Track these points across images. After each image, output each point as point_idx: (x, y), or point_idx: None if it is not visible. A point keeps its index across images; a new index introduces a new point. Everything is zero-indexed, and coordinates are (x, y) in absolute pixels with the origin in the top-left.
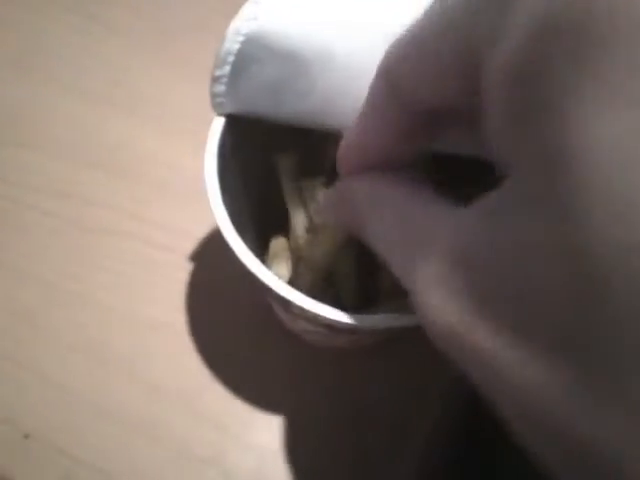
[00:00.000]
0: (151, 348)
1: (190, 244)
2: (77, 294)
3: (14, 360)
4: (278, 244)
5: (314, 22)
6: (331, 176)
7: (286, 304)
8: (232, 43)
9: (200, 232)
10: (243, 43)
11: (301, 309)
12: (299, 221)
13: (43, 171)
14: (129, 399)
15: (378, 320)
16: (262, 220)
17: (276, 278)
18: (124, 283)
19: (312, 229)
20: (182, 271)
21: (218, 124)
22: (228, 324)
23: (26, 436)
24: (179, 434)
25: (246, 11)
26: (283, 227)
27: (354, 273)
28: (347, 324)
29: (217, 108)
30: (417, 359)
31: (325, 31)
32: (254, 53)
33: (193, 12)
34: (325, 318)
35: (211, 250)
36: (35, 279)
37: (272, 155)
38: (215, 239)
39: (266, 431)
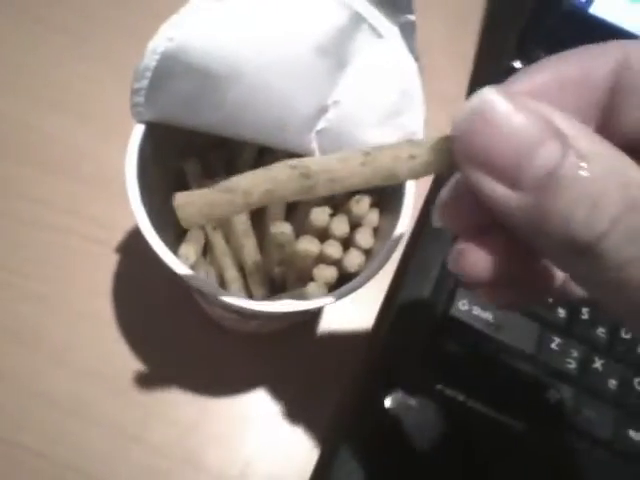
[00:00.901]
0: (82, 335)
1: (118, 236)
2: (10, 284)
3: None
4: (193, 232)
5: (225, 42)
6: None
7: (201, 294)
8: (150, 60)
9: (127, 225)
10: (159, 60)
11: (213, 297)
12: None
13: None
14: (61, 383)
15: (276, 306)
16: None
17: (188, 269)
18: (56, 274)
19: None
20: (110, 262)
21: (138, 130)
22: (153, 312)
23: None
24: (110, 414)
25: (163, 31)
26: None
27: (260, 264)
28: (250, 310)
29: (136, 116)
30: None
31: (235, 50)
32: (169, 69)
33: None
34: (231, 305)
35: (138, 242)
36: None
37: (182, 159)
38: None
39: (188, 407)
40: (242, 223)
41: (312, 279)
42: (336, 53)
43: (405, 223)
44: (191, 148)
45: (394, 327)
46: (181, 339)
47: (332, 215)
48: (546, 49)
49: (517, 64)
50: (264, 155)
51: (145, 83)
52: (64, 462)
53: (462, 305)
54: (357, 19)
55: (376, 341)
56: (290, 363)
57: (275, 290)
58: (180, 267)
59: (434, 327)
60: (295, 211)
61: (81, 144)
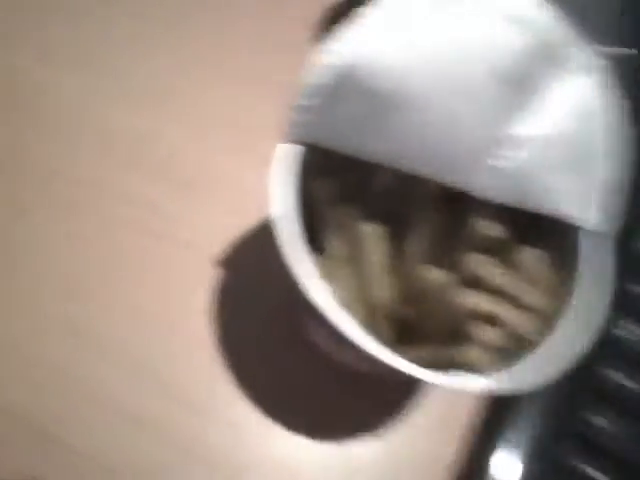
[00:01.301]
0: (173, 349)
1: (222, 250)
2: (105, 287)
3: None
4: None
5: (397, 61)
6: (372, 206)
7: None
8: (321, 77)
9: (236, 241)
10: (332, 78)
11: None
12: (335, 249)
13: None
14: (142, 399)
15: (444, 379)
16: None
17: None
18: (153, 283)
19: (348, 258)
20: (212, 278)
21: (288, 150)
22: (251, 332)
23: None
24: (192, 438)
25: (334, 47)
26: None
27: (391, 305)
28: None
29: (291, 135)
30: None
31: (406, 70)
32: (341, 89)
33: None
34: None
35: (245, 259)
36: (59, 276)
37: (313, 179)
38: (248, 246)
39: (285, 446)
40: (376, 257)
41: (465, 336)
42: (520, 82)
43: (609, 292)
44: (323, 168)
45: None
46: (279, 366)
47: (498, 267)
48: None
49: None
50: (405, 180)
51: (309, 101)
52: None
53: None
54: (553, 50)
55: (499, 401)
56: (398, 410)
57: (402, 333)
58: (335, 312)
59: (575, 389)
60: (443, 250)
61: (200, 155)
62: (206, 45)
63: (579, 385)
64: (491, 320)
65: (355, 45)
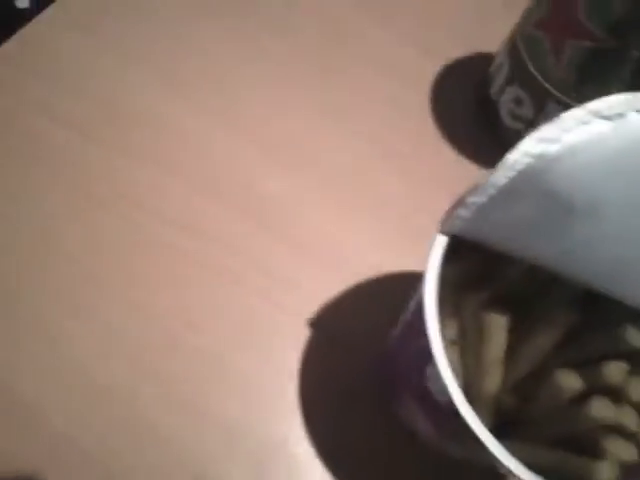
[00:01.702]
0: (262, 416)
1: (317, 310)
2: (196, 346)
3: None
4: None
5: (595, 171)
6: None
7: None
8: (501, 177)
9: (328, 300)
10: (512, 179)
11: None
12: (448, 331)
13: (193, 209)
14: (226, 464)
15: None
16: None
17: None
18: (242, 339)
19: (458, 343)
20: (303, 339)
21: (441, 245)
22: (339, 402)
23: None
24: None
25: (528, 146)
26: None
27: (497, 396)
28: None
29: (449, 228)
30: None
31: (602, 183)
32: (520, 189)
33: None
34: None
35: (336, 322)
36: (155, 321)
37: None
38: (343, 310)
39: None
40: (498, 348)
41: (591, 445)
42: None
43: None
44: (450, 251)
45: None
46: (365, 440)
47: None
48: None
49: None
50: (536, 274)
51: (484, 199)
52: None
53: None
54: None
55: None
56: None
57: (499, 422)
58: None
59: None
60: (570, 349)
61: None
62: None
63: None
64: (624, 434)
65: (548, 146)
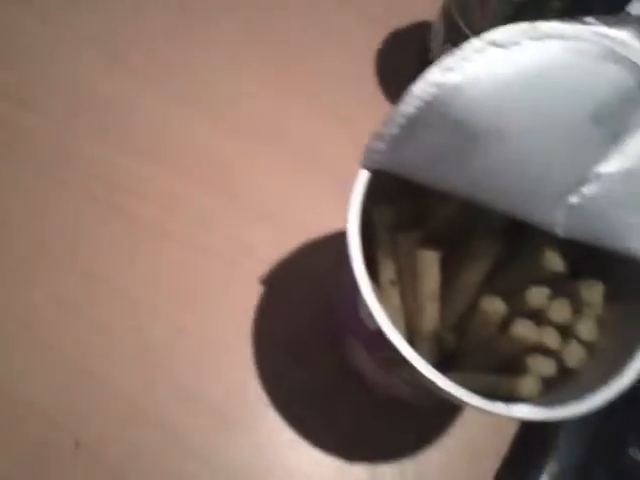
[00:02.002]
0: (214, 371)
1: (266, 267)
2: (146, 305)
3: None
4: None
5: (494, 98)
6: (431, 234)
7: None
8: (408, 106)
9: (279, 258)
10: (420, 108)
11: (432, 385)
12: (386, 272)
13: (157, 183)
14: (186, 419)
15: (507, 410)
16: None
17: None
18: (196, 299)
19: (397, 282)
20: (254, 294)
21: (363, 179)
22: (292, 353)
23: (77, 444)
24: (234, 460)
25: (431, 76)
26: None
27: (437, 331)
28: (461, 401)
29: (369, 162)
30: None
31: (503, 108)
32: (428, 119)
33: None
34: (456, 398)
35: (287, 277)
36: (117, 288)
37: (373, 205)
38: (293, 266)
39: (318, 468)
40: (432, 283)
41: (516, 366)
42: (613, 122)
43: None
44: (383, 193)
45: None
46: (317, 386)
47: (551, 296)
48: None
49: None
50: (467, 210)
51: (395, 130)
52: None
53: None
54: None
55: (532, 434)
56: (432, 437)
57: (442, 356)
58: (405, 346)
59: (612, 431)
60: (498, 280)
61: (249, 167)
62: (279, 75)
63: (622, 418)
64: (545, 351)
65: (448, 76)
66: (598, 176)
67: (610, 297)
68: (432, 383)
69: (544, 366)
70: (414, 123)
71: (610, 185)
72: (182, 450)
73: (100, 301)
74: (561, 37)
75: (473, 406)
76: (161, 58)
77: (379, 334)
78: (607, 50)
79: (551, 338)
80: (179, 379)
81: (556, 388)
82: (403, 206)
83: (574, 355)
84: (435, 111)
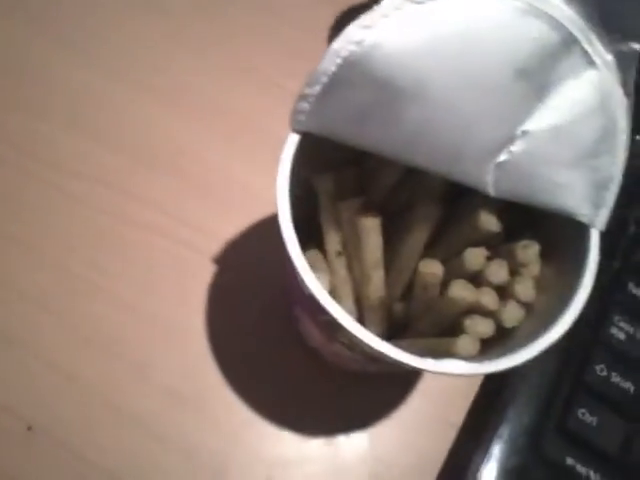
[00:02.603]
0: (167, 349)
1: (215, 245)
2: (99, 286)
3: (23, 344)
4: (312, 255)
5: (415, 53)
6: (373, 201)
7: (339, 334)
8: (329, 64)
9: (226, 234)
10: (340, 66)
11: (364, 345)
12: (332, 242)
13: (94, 160)
14: (140, 398)
15: (436, 365)
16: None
17: (347, 315)
18: (147, 280)
19: (343, 253)
20: (204, 272)
21: (292, 141)
22: (246, 330)
23: (29, 428)
24: (189, 439)
25: (350, 34)
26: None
27: (384, 299)
28: (400, 362)
29: (296, 125)
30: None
31: (425, 63)
32: (349, 77)
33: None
34: (389, 357)
35: (236, 254)
36: (58, 265)
37: (314, 173)
38: (244, 244)
39: (275, 444)
40: (376, 252)
41: (457, 328)
42: (537, 77)
43: (590, 281)
44: (325, 162)
45: (509, 388)
46: (272, 362)
47: (488, 258)
48: None
49: None
50: (408, 178)
51: (317, 89)
52: None
53: (600, 371)
54: (569, 41)
55: (487, 401)
56: (387, 409)
57: (393, 328)
58: (333, 305)
59: (562, 394)
60: (439, 245)
61: (191, 144)
62: (217, 49)
63: (571, 381)
64: (484, 313)
65: (367, 32)
66: (525, 133)
67: (546, 256)
68: (354, 337)
69: (481, 326)
70: (336, 81)
71: (537, 142)
72: (137, 430)
73: (45, 281)
74: None
75: (402, 363)
76: (93, 30)
77: (312, 298)
78: (527, 5)
79: (489, 299)
80: (132, 359)
81: (495, 347)
82: (346, 173)
83: (512, 316)
84: (356, 69)
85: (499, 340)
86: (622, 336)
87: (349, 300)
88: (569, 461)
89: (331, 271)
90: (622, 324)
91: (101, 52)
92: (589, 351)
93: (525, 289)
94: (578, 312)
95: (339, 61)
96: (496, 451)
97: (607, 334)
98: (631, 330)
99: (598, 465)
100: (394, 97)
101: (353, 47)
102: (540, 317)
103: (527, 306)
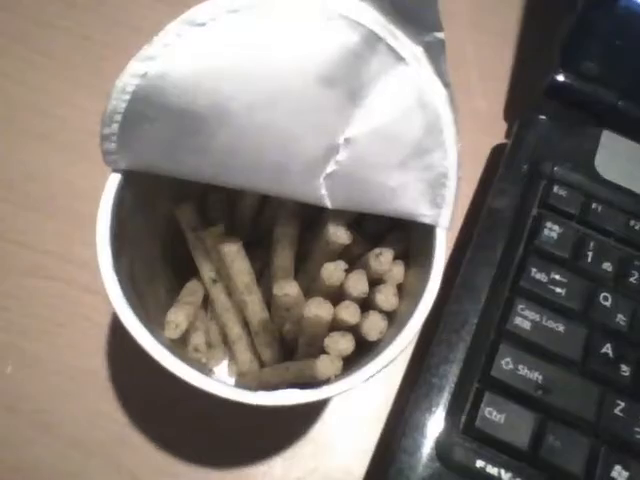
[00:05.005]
0: (70, 397)
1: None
2: None
3: None
4: (193, 285)
5: (208, 77)
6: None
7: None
8: (118, 101)
9: None
10: (130, 101)
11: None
12: (205, 271)
13: None
14: (44, 452)
15: (271, 398)
16: (179, 266)
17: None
18: (46, 328)
19: (218, 278)
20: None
21: (114, 179)
22: (153, 372)
23: None
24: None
25: (133, 67)
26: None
27: (268, 322)
28: (239, 402)
29: (111, 164)
30: None
31: (220, 86)
32: (143, 111)
33: None
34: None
35: None
36: None
37: (174, 203)
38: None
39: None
40: (244, 276)
41: (316, 346)
42: (346, 82)
43: (437, 281)
44: (185, 191)
45: (418, 403)
46: (182, 405)
47: (348, 270)
48: (595, 59)
49: (561, 77)
50: (268, 199)
51: (115, 128)
52: None
53: (505, 364)
54: (372, 40)
55: (398, 416)
56: (295, 440)
57: (286, 350)
58: (159, 351)
59: (471, 395)
60: (305, 263)
61: (65, 177)
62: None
63: (478, 380)
64: (346, 328)
65: (150, 64)
66: (348, 140)
67: (412, 260)
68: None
69: (342, 343)
70: (131, 118)
71: (361, 147)
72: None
73: None
74: (258, 6)
75: (232, 400)
76: None
77: None
78: (321, 9)
79: (347, 313)
80: (37, 410)
81: (365, 359)
82: (211, 199)
83: (374, 327)
84: (146, 102)
85: (369, 351)
86: (527, 325)
87: (237, 327)
88: (479, 463)
89: (212, 300)
90: (527, 312)
91: None
92: (495, 346)
93: (386, 298)
94: (425, 315)
95: (127, 97)
96: (401, 464)
97: (512, 325)
98: (537, 317)
99: (509, 463)
100: (199, 124)
101: (138, 81)
102: (400, 321)
103: (390, 314)
